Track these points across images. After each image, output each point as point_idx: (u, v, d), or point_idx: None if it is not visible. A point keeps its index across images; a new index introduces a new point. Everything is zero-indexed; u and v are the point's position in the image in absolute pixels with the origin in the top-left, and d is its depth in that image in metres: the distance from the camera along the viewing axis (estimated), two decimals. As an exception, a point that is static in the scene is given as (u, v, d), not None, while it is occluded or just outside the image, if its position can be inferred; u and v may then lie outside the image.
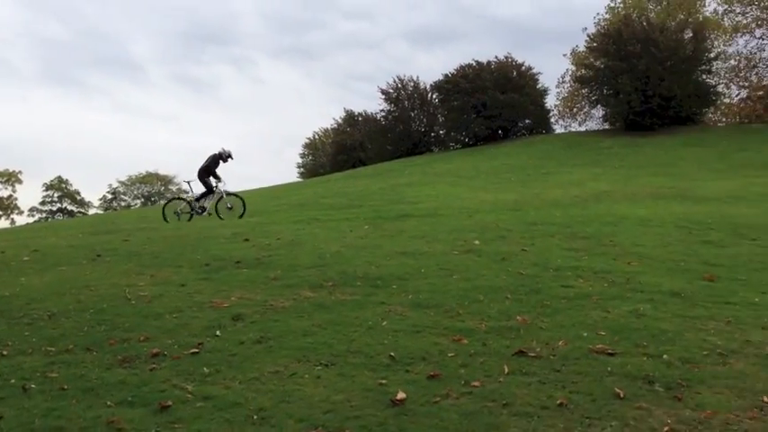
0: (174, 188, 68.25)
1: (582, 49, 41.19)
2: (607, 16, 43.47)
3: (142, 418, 3.62)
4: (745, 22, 42.37)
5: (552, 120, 43.70)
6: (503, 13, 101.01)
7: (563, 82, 46.97)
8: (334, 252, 8.14)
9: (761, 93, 41.46)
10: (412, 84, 41.72)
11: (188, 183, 16.52)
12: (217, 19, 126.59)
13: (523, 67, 38.93)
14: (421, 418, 3.50)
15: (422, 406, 3.65)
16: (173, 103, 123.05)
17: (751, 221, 9.95)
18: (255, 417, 3.58)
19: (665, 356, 4.38)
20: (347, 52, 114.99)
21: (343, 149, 45.94)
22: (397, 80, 41.73)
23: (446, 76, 39.24)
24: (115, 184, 70.74)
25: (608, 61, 34.03)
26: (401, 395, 3.75)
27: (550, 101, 54.22)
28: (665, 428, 3.39)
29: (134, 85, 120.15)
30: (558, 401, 3.68)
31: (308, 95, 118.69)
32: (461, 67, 39.01)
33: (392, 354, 4.44)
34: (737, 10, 42.60)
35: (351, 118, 48.71)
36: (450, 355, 4.43)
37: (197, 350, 4.66)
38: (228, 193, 16.40)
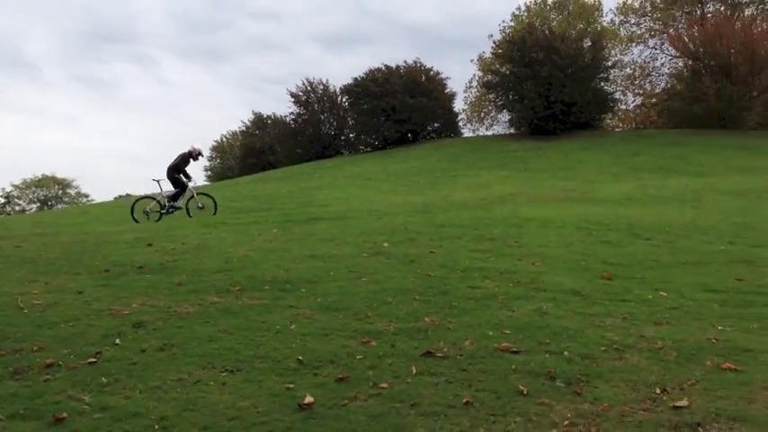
0: (72, 192, 65.42)
1: (488, 55, 42.25)
2: (512, 24, 44.81)
3: (35, 431, 3.43)
4: (639, 32, 44.63)
5: (461, 124, 44.67)
6: (412, 18, 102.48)
7: (470, 87, 48.12)
8: (241, 256, 8.00)
9: (654, 100, 43.70)
10: (322, 87, 41.70)
11: (157, 181, 15.98)
12: (119, 18, 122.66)
13: (432, 72, 39.58)
14: (328, 422, 3.48)
15: (329, 409, 3.63)
16: (71, 104, 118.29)
17: (645, 222, 10.43)
18: (157, 426, 3.46)
19: (565, 353, 4.52)
20: (255, 54, 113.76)
21: (252, 152, 45.40)
22: (306, 83, 41.65)
23: (356, 79, 39.46)
24: (9, 188, 67.23)
25: (513, 67, 35.06)
26: (309, 399, 3.71)
27: (458, 105, 55.26)
28: (566, 422, 3.49)
29: (29, 85, 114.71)
30: (465, 400, 3.74)
31: (215, 97, 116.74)
32: (371, 71, 39.30)
33: (300, 358, 4.39)
34: (632, 21, 44.82)
35: (260, 121, 48.21)
36: (358, 357, 4.42)
37: (95, 359, 4.46)
38: (200, 193, 16.35)
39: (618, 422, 3.51)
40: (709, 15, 41.42)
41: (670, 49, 40.81)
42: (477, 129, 48.09)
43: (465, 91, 48.92)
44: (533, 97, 33.20)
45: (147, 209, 15.74)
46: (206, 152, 50.23)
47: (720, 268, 7.43)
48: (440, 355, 4.46)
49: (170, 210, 15.73)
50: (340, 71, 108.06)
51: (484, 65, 43.65)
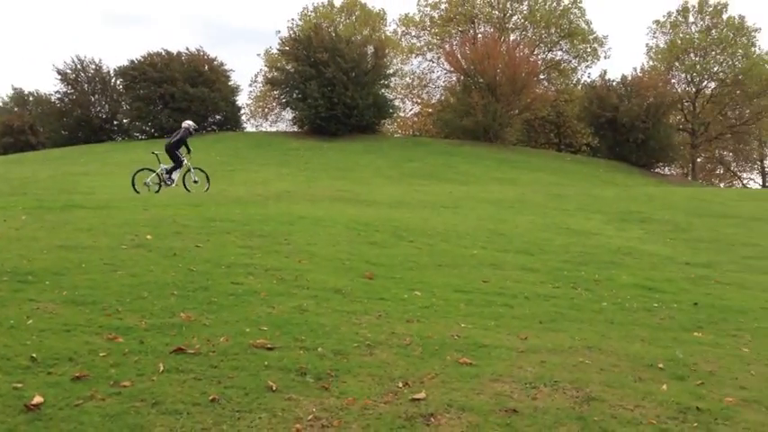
0: None
1: (275, 51, 42.15)
2: (300, 22, 45.10)
3: None
4: (419, 45, 47.15)
5: (244, 118, 44.13)
6: (198, 5, 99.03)
7: (255, 81, 47.71)
8: (-20, 244, 7.21)
9: (430, 110, 46.38)
10: (93, 66, 39.01)
11: (156, 154, 16.63)
12: None
13: (216, 62, 38.67)
14: (57, 423, 3.24)
15: (61, 410, 3.38)
16: None
17: (410, 225, 11.00)
18: None
19: (319, 349, 4.62)
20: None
21: (10, 131, 41.25)
22: (76, 60, 38.66)
23: (132, 62, 37.40)
24: None
25: (298, 66, 35.34)
26: (38, 399, 3.43)
27: (243, 99, 54.51)
28: (310, 417, 3.58)
29: None
30: (211, 397, 3.68)
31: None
32: (150, 55, 37.50)
33: (34, 355, 4.05)
34: (413, 33, 47.26)
35: (20, 97, 43.99)
36: (101, 354, 4.17)
37: None
38: (195, 167, 16.99)
39: (359, 415, 3.66)
40: (480, 36, 44.86)
41: (445, 63, 43.55)
42: (261, 124, 47.91)
43: (250, 85, 48.66)
44: (317, 97, 33.70)
45: (148, 180, 16.22)
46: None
47: (471, 270, 8.05)
48: (191, 351, 4.35)
49: (168, 182, 16.44)
50: (114, 51, 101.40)
51: (270, 60, 43.51)
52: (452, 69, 41.88)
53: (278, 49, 39.06)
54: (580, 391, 4.19)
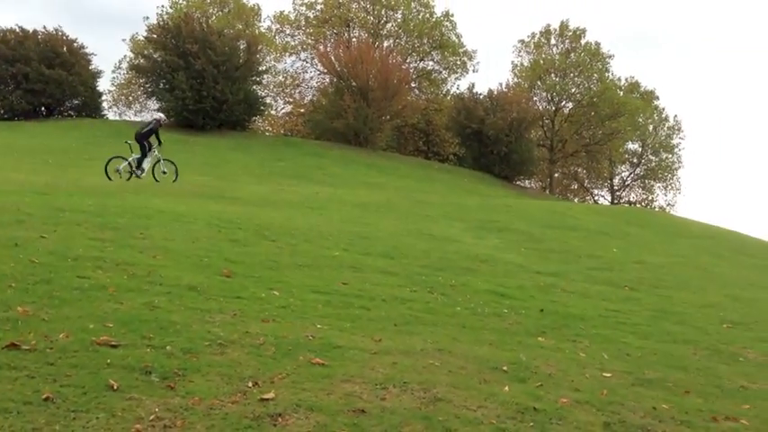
0: None
1: (142, 37, 40.44)
2: (170, 10, 43.54)
3: None
4: (293, 43, 46.84)
5: (105, 105, 42.02)
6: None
7: (120, 68, 45.58)
8: None
9: (302, 110, 46.18)
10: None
11: (129, 144, 17.08)
12: None
13: (76, 44, 36.58)
14: None
15: None
16: None
17: (274, 224, 10.90)
18: None
19: (168, 347, 4.47)
20: None
21: None
22: None
23: (-19, 38, 34.62)
24: None
25: (166, 55, 34.14)
26: None
27: (105, 85, 52.03)
28: (152, 417, 3.45)
29: None
30: (45, 396, 3.47)
31: None
32: (2, 32, 34.86)
33: None
34: (288, 32, 46.90)
35: None
36: None
37: None
38: (165, 159, 17.70)
39: (205, 415, 3.57)
40: (354, 40, 45.22)
41: (319, 64, 43.51)
42: (124, 113, 45.81)
43: (114, 71, 46.27)
44: (185, 89, 32.65)
45: (119, 167, 16.67)
46: None
47: (331, 272, 8.07)
48: (26, 347, 4.08)
49: (138, 172, 16.96)
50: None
51: (137, 47, 41.68)
52: (326, 71, 41.91)
53: (145, 36, 37.53)
54: (427, 392, 4.30)
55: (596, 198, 55.87)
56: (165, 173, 17.49)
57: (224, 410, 3.65)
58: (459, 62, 48.73)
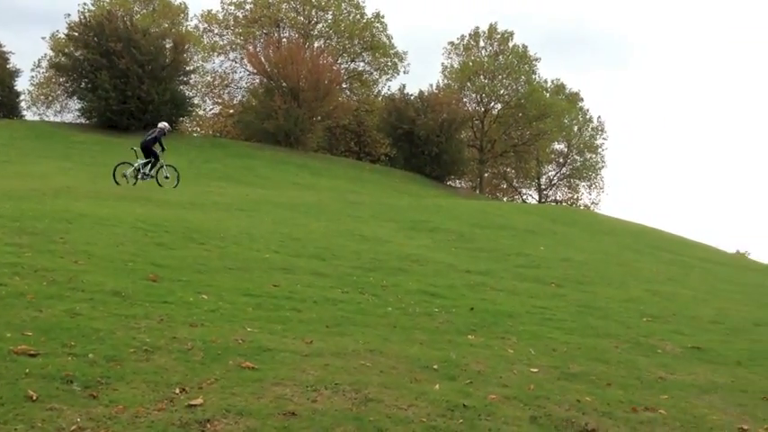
0: None
1: (62, 35, 39.04)
2: (92, 8, 42.18)
3: None
4: (221, 43, 46.13)
5: (23, 105, 40.40)
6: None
7: (39, 66, 43.91)
8: None
9: (231, 111, 45.49)
10: None
11: (135, 150, 18.20)
12: None
13: (-8, 43, 35.09)
14: None
15: None
16: None
17: (203, 227, 10.70)
18: None
19: (90, 355, 4.33)
20: None
21: None
22: None
23: None
24: None
25: (88, 54, 33.10)
26: None
27: (23, 84, 50.07)
28: (73, 427, 3.34)
29: None
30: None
31: None
32: None
33: None
34: (216, 31, 46.14)
35: None
36: None
37: None
38: (167, 165, 18.70)
39: (130, 423, 3.48)
40: (284, 40, 44.86)
41: (248, 64, 42.95)
42: (44, 114, 44.12)
43: (33, 70, 44.48)
44: (108, 89, 31.71)
45: (126, 173, 17.76)
46: None
47: (261, 274, 7.98)
48: (-63, 360, 3.89)
49: (144, 177, 17.94)
50: None
51: (57, 45, 40.20)
52: (255, 71, 41.41)
53: (66, 34, 36.25)
54: (359, 393, 4.30)
55: (524, 197, 57.07)
56: (167, 178, 18.55)
57: (150, 418, 3.56)
58: (389, 63, 48.94)
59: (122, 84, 32.12)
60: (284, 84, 37.39)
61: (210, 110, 48.03)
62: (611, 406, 4.70)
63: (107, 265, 7.15)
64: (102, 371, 4.11)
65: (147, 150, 18.17)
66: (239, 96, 46.33)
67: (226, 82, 46.95)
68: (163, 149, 18.50)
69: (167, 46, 35.17)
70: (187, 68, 37.33)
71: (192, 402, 3.82)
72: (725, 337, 7.82)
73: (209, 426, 3.57)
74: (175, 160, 28.05)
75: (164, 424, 3.50)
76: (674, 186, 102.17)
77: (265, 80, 39.85)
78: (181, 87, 36.57)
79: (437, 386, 4.64)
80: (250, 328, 5.54)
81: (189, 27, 45.73)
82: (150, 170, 18.15)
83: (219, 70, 46.53)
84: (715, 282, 13.26)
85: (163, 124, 19.02)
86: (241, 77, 46.60)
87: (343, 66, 47.31)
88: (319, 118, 39.73)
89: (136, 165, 18.02)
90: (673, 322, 8.32)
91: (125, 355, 4.46)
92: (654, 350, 6.73)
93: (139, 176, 17.96)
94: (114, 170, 17.81)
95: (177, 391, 3.98)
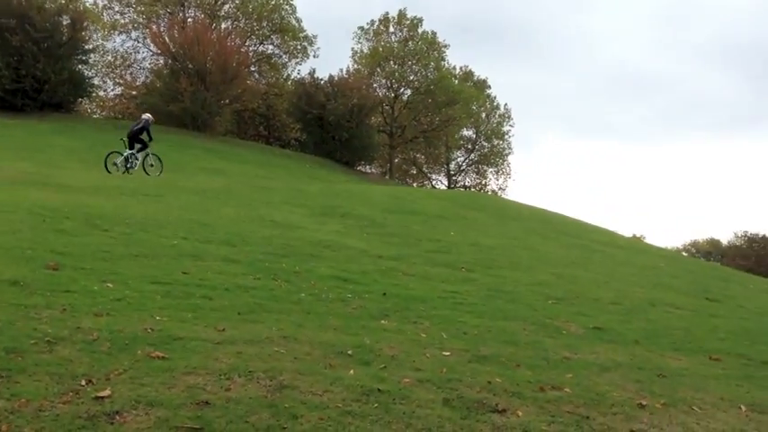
0: None
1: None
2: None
3: None
4: (123, 21, 44.32)
5: None
6: None
7: None
8: None
9: (134, 92, 43.88)
10: None
11: (123, 140, 19.27)
12: None
13: None
14: None
15: None
16: None
17: (106, 212, 10.31)
18: None
19: (-13, 348, 4.11)
20: None
21: None
22: None
23: None
24: None
25: (-23, 31, 31.17)
26: None
27: None
28: (-30, 425, 3.17)
29: None
30: None
31: None
32: None
33: None
34: (116, 8, 44.29)
35: None
36: None
37: None
38: (152, 154, 19.68)
39: (33, 417, 3.34)
40: (190, 20, 43.58)
41: (151, 44, 41.51)
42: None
43: None
44: (0, 67, 30.01)
45: (117, 161, 18.77)
46: None
47: (170, 261, 7.77)
48: None
49: (132, 165, 18.94)
50: None
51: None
52: (159, 52, 40.08)
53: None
54: (273, 380, 4.27)
55: (434, 183, 57.95)
56: (152, 165, 19.56)
57: (55, 411, 3.42)
58: (299, 47, 48.39)
59: (16, 62, 30.47)
60: (190, 65, 36.37)
61: (112, 91, 46.19)
62: (520, 386, 4.85)
63: (3, 253, 6.80)
64: (2, 363, 3.92)
65: (135, 140, 19.27)
66: (143, 77, 44.73)
67: (128, 62, 45.20)
68: (150, 139, 19.48)
69: (64, 23, 33.49)
70: (86, 47, 35.67)
71: (100, 394, 3.69)
72: (624, 318, 8.21)
73: (118, 418, 3.46)
74: (74, 143, 26.98)
75: (70, 417, 3.37)
76: (576, 174, 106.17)
77: (170, 61, 38.60)
78: (79, 67, 34.95)
79: (352, 371, 4.66)
80: (159, 317, 5.40)
81: (87, 3, 43.67)
82: (138, 158, 19.24)
83: (121, 50, 44.73)
84: (614, 265, 13.87)
85: (147, 115, 20.29)
86: (144, 58, 44.98)
87: (251, 48, 46.44)
88: (227, 101, 38.89)
89: (125, 154, 19.02)
90: (576, 304, 8.66)
91: (26, 346, 4.26)
92: (559, 331, 6.98)
93: (129, 164, 18.97)
94: (105, 159, 18.67)
95: (83, 382, 3.84)
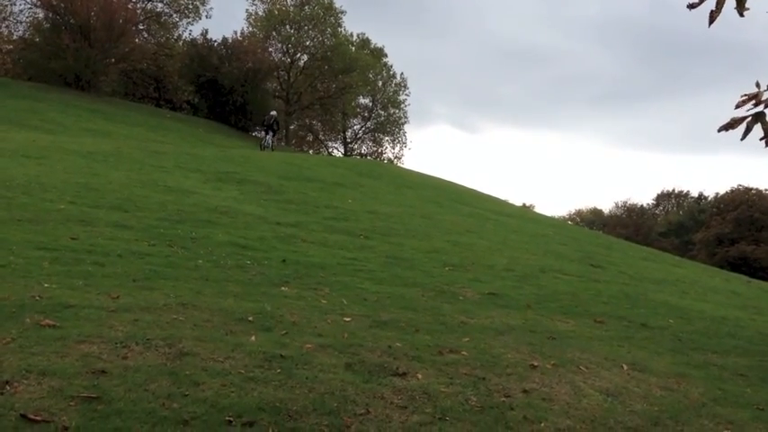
0: None
1: None
2: None
3: None
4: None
5: None
6: None
7: None
8: None
9: (11, 47, 41.06)
10: None
11: None
12: None
13: None
14: None
15: None
16: None
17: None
18: None
19: None
20: None
21: None
22: None
23: None
24: None
25: None
26: None
27: None
28: None
29: None
30: None
31: None
32: None
33: None
34: (-8, -44, 41.04)
35: None
36: None
37: None
38: None
39: None
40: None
41: (31, -4, 38.85)
42: None
43: None
44: None
45: None
46: None
47: (57, 227, 7.41)
48: None
49: None
50: None
51: None
52: (38, 4, 37.57)
53: None
54: (173, 348, 4.18)
55: (330, 150, 57.72)
56: None
57: None
58: (191, 6, 46.47)
59: None
60: (72, 20, 34.30)
61: (-15, 45, 42.99)
62: (419, 350, 4.96)
63: None
64: None
65: None
66: (20, 31, 41.84)
67: (3, 15, 42.14)
68: None
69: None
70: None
71: (-13, 366, 3.50)
72: (516, 283, 8.54)
73: (8, 387, 3.30)
74: (-55, 99, 25.00)
75: (-47, 391, 3.18)
76: (469, 144, 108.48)
77: (51, 15, 36.28)
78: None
79: (253, 338, 4.62)
80: (47, 284, 5.16)
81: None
82: None
83: (-4, 1, 41.64)
84: (507, 233, 14.34)
85: None
86: (21, 10, 41.99)
87: (139, 5, 44.27)
88: (113, 60, 37.04)
89: None
90: (472, 271, 8.92)
91: None
92: (456, 297, 7.18)
93: None
94: None
95: None
